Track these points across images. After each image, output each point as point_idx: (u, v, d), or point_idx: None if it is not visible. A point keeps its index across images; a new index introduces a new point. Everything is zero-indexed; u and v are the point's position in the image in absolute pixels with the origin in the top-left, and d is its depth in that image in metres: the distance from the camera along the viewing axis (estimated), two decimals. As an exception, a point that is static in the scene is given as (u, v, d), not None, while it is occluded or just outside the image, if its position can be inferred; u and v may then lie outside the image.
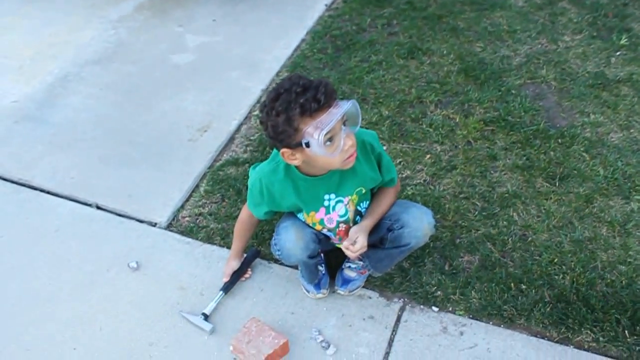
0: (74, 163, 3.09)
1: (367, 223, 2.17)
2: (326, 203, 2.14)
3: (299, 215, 2.22)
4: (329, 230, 2.24)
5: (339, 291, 2.44)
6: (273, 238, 2.26)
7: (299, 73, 1.83)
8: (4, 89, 3.58)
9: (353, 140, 1.91)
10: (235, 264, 2.48)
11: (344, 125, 1.88)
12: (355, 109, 1.88)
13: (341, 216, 2.19)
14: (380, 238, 2.25)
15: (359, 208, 2.22)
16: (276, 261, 2.57)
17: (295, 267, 2.49)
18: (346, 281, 2.45)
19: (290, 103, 1.76)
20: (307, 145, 1.82)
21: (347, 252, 2.12)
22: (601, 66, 3.64)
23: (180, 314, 2.38)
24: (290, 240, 2.15)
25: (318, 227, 2.23)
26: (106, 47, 3.91)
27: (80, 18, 4.22)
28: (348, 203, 2.17)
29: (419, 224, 2.15)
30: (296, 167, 2.04)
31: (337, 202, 2.15)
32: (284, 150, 1.89)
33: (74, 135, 3.26)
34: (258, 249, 2.60)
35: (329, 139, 1.83)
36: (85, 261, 2.61)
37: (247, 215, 2.32)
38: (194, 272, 2.55)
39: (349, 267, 2.46)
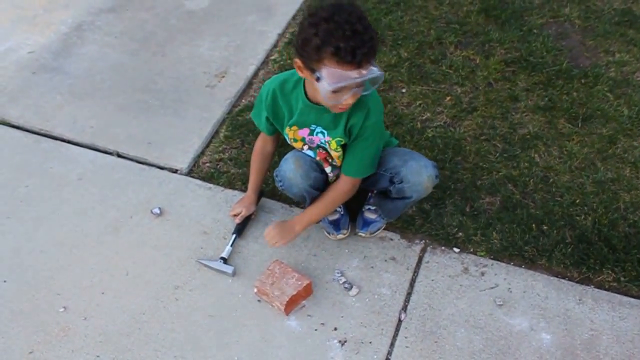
0: (93, 112, 3.09)
1: (298, 227, 2.26)
2: (312, 127, 2.14)
3: (284, 133, 2.22)
4: (310, 149, 2.22)
5: (360, 233, 2.46)
6: (274, 171, 2.29)
7: (360, 7, 1.78)
8: (19, 40, 3.56)
9: (355, 99, 1.92)
10: (247, 201, 2.49)
11: (358, 86, 1.87)
12: (379, 81, 1.86)
13: (321, 143, 2.17)
14: (386, 185, 2.26)
15: (335, 155, 2.20)
16: (297, 204, 2.58)
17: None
18: (367, 223, 2.46)
19: (331, 37, 1.73)
20: (317, 79, 1.83)
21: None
22: (628, 2, 3.54)
23: (198, 262, 2.41)
24: (289, 169, 2.18)
25: (299, 144, 2.21)
26: (120, -6, 3.86)
27: (92, -35, 4.15)
28: (329, 141, 2.14)
29: (417, 178, 2.15)
30: (304, 85, 2.05)
31: (320, 132, 2.13)
32: (297, 60, 1.88)
33: (92, 84, 3.25)
34: (261, 189, 2.59)
35: (337, 90, 1.84)
36: (108, 208, 2.64)
37: (260, 142, 2.37)
38: (216, 217, 2.57)
39: (369, 209, 2.47)
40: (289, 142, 2.25)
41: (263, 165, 2.44)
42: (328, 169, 2.30)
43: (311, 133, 2.15)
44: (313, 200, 2.29)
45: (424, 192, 2.21)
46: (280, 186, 2.29)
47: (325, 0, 1.85)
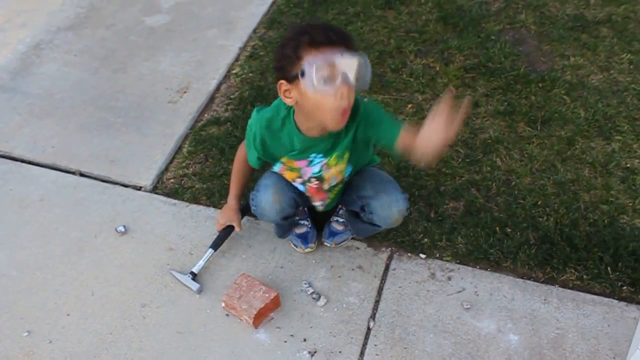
0: (53, 132, 3.05)
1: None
2: (310, 157, 2.10)
3: (277, 163, 2.18)
4: (302, 183, 2.22)
5: (325, 243, 2.47)
6: (252, 192, 2.25)
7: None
8: (-24, 60, 3.51)
9: (351, 96, 1.82)
10: (230, 213, 2.39)
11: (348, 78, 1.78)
12: (365, 65, 1.79)
13: (314, 174, 2.15)
14: (357, 207, 2.27)
15: (336, 169, 2.16)
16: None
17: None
18: (333, 233, 2.47)
19: (304, 33, 1.75)
20: (302, 74, 1.74)
21: None
22: (580, 8, 3.63)
23: (170, 272, 2.40)
24: (267, 201, 2.16)
25: (293, 174, 2.18)
26: (78, 12, 3.83)
27: (50, -17, 4.11)
28: (326, 162, 2.10)
29: (387, 212, 2.15)
30: (294, 119, 1.99)
31: (318, 159, 2.09)
32: (281, 82, 1.83)
33: (52, 103, 3.21)
34: (247, 204, 2.58)
35: (326, 77, 1.74)
36: (72, 228, 2.60)
37: (243, 153, 2.27)
38: (181, 232, 2.56)
39: (337, 220, 2.48)
40: (277, 170, 2.21)
41: (246, 173, 2.36)
42: (318, 203, 2.32)
43: (309, 164, 2.11)
44: (281, 226, 2.36)
45: (392, 224, 2.22)
46: (254, 210, 2.27)
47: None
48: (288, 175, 2.21)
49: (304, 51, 1.74)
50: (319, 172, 2.13)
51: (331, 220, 2.50)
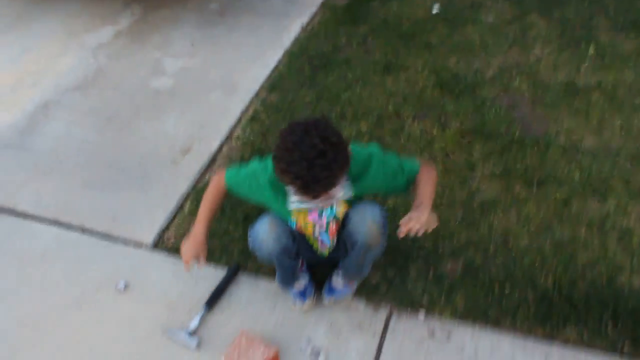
0: (57, 188, 3.10)
1: (426, 202, 2.11)
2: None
3: (289, 218, 2.24)
4: (322, 232, 2.27)
5: (325, 301, 2.47)
6: (248, 232, 2.28)
7: (332, 131, 1.89)
8: (-16, 119, 3.59)
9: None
10: (196, 245, 2.31)
11: None
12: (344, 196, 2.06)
13: (328, 218, 2.23)
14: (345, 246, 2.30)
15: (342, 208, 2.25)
16: (263, 274, 2.59)
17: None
18: (331, 291, 2.48)
19: (290, 168, 1.83)
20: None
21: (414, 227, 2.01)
22: (571, 75, 3.75)
23: (166, 333, 2.39)
24: (263, 230, 2.19)
25: (310, 229, 2.26)
26: (86, 74, 3.94)
27: (59, 45, 4.25)
28: (337, 209, 2.22)
29: (361, 217, 2.16)
30: None
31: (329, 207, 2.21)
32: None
33: (57, 161, 3.27)
34: (238, 264, 2.62)
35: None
36: (72, 284, 2.61)
37: (221, 182, 2.31)
38: (181, 290, 2.56)
39: (336, 276, 2.49)
40: (293, 228, 2.26)
41: (220, 202, 2.37)
42: (328, 244, 2.35)
43: (320, 214, 2.21)
44: (281, 265, 2.32)
45: (369, 235, 2.16)
46: (251, 245, 2.27)
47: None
48: (307, 232, 2.28)
49: (288, 183, 1.89)
50: (331, 215, 2.22)
51: (330, 276, 2.52)
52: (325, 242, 2.34)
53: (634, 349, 2.30)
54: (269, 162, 2.11)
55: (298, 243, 2.28)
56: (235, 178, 2.26)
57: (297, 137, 1.83)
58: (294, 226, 2.25)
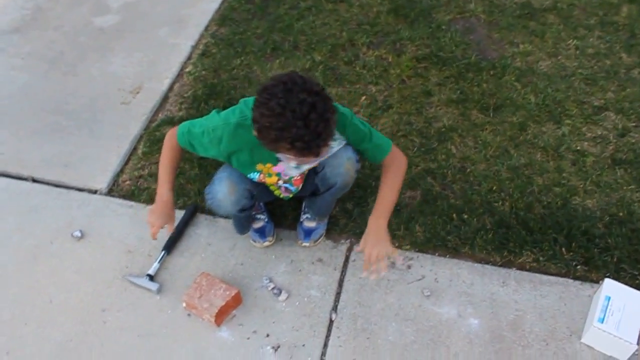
0: (3, 138, 2.98)
1: (373, 227, 2.11)
2: None
3: (252, 172, 2.17)
4: (285, 182, 2.24)
5: (303, 244, 2.45)
6: (206, 186, 2.23)
7: (314, 83, 1.78)
8: None
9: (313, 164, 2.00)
10: (166, 209, 2.18)
11: None
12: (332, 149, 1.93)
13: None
14: (315, 186, 2.27)
15: None
16: (222, 215, 2.57)
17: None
18: (308, 232, 2.47)
19: (285, 133, 1.72)
20: (277, 159, 1.93)
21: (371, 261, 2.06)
22: (527, -4, 3.70)
23: (125, 278, 2.37)
24: (222, 192, 2.14)
25: (273, 179, 2.20)
26: (23, 15, 3.73)
27: (-7, -14, 4.01)
28: None
29: (338, 160, 2.11)
30: None
31: None
32: (256, 135, 1.84)
33: (0, 109, 3.14)
34: (196, 205, 2.58)
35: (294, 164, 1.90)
36: (27, 236, 2.55)
37: (174, 140, 2.15)
38: (139, 234, 2.52)
39: (307, 217, 2.48)
40: (256, 179, 2.19)
41: (176, 162, 2.22)
42: (292, 191, 2.31)
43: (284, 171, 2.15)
44: (238, 218, 2.30)
45: (346, 176, 2.15)
46: (209, 204, 2.23)
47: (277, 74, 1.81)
48: (269, 181, 2.22)
49: (283, 149, 1.79)
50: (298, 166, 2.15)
51: (301, 219, 2.50)
52: (289, 189, 2.30)
53: (586, 270, 2.36)
54: (230, 115, 2.01)
55: (257, 192, 2.25)
56: (188, 136, 2.10)
57: (282, 99, 1.71)
58: (256, 178, 2.19)
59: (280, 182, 2.24)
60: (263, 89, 1.77)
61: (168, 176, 2.18)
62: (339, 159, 2.10)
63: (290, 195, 2.37)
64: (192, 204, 2.59)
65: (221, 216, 2.54)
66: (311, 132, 1.72)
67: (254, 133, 1.84)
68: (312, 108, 1.71)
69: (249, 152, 2.07)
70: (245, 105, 1.99)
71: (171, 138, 2.17)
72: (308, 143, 1.74)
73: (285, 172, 2.05)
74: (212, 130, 2.03)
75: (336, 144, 1.94)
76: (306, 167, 2.02)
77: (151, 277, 2.34)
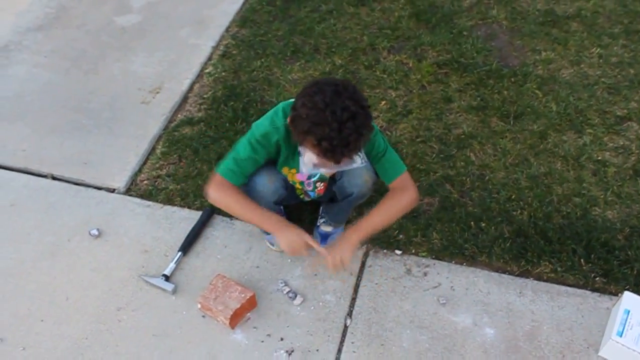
0: (24, 135, 3.00)
1: (355, 235, 2.08)
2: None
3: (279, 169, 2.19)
4: (309, 190, 2.27)
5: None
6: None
7: (360, 96, 1.78)
8: (-57, 62, 3.44)
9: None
10: (296, 230, 2.07)
11: None
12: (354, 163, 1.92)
13: (318, 177, 2.20)
14: (333, 192, 2.27)
15: None
16: (237, 218, 2.57)
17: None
18: (324, 236, 2.47)
19: (317, 129, 1.74)
20: (299, 153, 1.92)
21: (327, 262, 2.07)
22: (550, 3, 3.67)
23: (141, 278, 2.38)
24: (261, 183, 2.12)
25: (298, 186, 2.25)
26: (47, 13, 3.77)
27: (18, -16, 4.05)
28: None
29: (355, 170, 2.10)
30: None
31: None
32: (289, 122, 1.88)
33: (22, 106, 3.16)
34: (212, 207, 2.57)
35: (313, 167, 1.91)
36: (45, 233, 2.57)
37: (227, 187, 2.07)
38: (156, 234, 2.53)
39: (324, 222, 2.47)
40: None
41: (242, 195, 2.10)
42: (314, 196, 2.32)
43: (309, 177, 2.19)
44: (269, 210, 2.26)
45: (364, 187, 2.16)
46: (245, 191, 2.17)
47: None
48: (296, 186, 2.26)
49: (309, 143, 1.80)
50: (320, 176, 2.19)
51: (318, 224, 2.50)
52: (310, 195, 2.32)
53: (605, 282, 2.33)
54: (274, 118, 1.99)
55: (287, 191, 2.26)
56: (236, 167, 2.04)
57: (327, 98, 1.72)
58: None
59: (308, 188, 2.27)
60: (314, 82, 1.80)
61: (257, 209, 2.08)
62: (358, 169, 2.09)
63: (309, 200, 2.38)
64: (208, 207, 2.59)
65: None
66: (342, 138, 1.73)
67: (287, 120, 1.87)
68: (352, 117, 1.73)
69: (284, 154, 2.09)
70: (284, 110, 2.00)
71: (221, 187, 2.06)
72: (334, 147, 1.75)
73: (301, 170, 2.03)
74: (263, 137, 2.00)
75: (358, 161, 1.92)
76: (321, 171, 2.01)
77: (167, 278, 2.35)
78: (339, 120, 1.71)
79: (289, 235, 2.05)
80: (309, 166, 1.91)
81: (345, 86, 1.77)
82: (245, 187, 2.16)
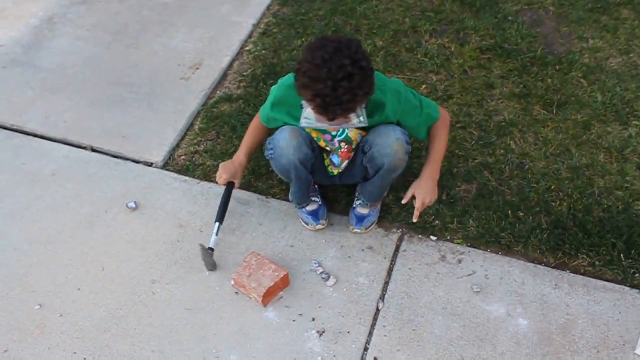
0: (66, 107, 3.05)
1: (427, 174, 2.20)
2: (333, 133, 2.22)
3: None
4: (332, 150, 2.27)
5: (355, 230, 2.44)
6: (267, 141, 2.25)
7: (363, 55, 1.83)
8: (-12, 33, 3.50)
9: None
10: (235, 167, 2.30)
11: None
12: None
13: (342, 135, 2.22)
14: (365, 169, 2.26)
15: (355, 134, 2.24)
16: (274, 196, 2.58)
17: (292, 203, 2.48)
18: (360, 219, 2.45)
19: (313, 84, 1.79)
20: (301, 106, 1.98)
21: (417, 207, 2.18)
22: (601, -11, 3.56)
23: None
24: (284, 138, 2.14)
25: (322, 143, 2.25)
26: (91, -14, 3.80)
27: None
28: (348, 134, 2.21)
29: (385, 140, 2.10)
30: None
31: (341, 132, 2.20)
32: (294, 72, 1.94)
33: (64, 78, 3.21)
34: (232, 182, 2.47)
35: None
36: (83, 203, 2.61)
37: (257, 120, 2.33)
38: (192, 209, 2.55)
39: (360, 204, 2.46)
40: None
41: (261, 134, 2.35)
42: (339, 164, 2.34)
43: (332, 139, 2.22)
44: (299, 178, 2.24)
45: (394, 157, 2.13)
46: (270, 155, 2.22)
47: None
48: (321, 144, 2.27)
49: (306, 98, 1.88)
50: (344, 134, 2.21)
51: (355, 205, 2.48)
52: (334, 162, 2.31)
53: (645, 280, 2.28)
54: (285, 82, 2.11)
55: (314, 164, 2.27)
56: (264, 110, 2.25)
57: (327, 55, 1.77)
58: None
59: (330, 141, 2.25)
60: (322, 37, 1.86)
61: (247, 143, 2.33)
62: (387, 139, 2.10)
63: (335, 172, 2.37)
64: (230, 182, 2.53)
65: (279, 198, 2.54)
66: (335, 97, 1.77)
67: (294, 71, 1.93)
68: (348, 77, 1.76)
69: (299, 109, 2.08)
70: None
71: (256, 118, 2.33)
72: (327, 104, 1.80)
73: (301, 122, 2.04)
74: (284, 98, 2.14)
75: (355, 121, 1.97)
76: (319, 126, 2.05)
77: (212, 250, 2.32)
78: (334, 78, 1.75)
79: (225, 164, 2.32)
80: (310, 120, 1.98)
81: (348, 45, 1.80)
82: (270, 141, 2.24)
